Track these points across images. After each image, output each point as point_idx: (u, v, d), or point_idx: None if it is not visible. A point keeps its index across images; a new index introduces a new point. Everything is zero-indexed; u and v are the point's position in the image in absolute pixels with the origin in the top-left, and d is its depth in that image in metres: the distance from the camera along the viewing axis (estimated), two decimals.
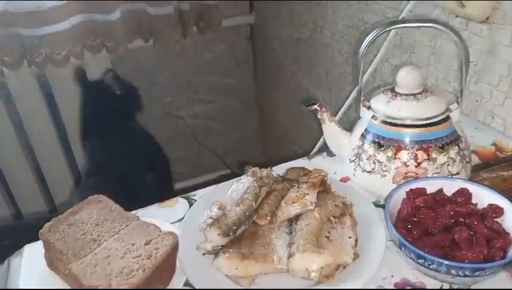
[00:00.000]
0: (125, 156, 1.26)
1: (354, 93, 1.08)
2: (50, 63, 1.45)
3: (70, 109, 1.55)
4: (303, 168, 0.80)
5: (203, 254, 0.66)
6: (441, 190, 0.68)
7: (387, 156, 0.72)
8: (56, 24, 1.39)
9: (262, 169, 0.78)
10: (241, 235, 0.67)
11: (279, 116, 1.80)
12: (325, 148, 0.88)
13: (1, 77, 1.42)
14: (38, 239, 0.65)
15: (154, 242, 0.63)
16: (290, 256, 0.62)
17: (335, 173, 0.82)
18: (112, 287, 0.56)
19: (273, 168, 0.81)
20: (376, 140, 0.74)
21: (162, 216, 0.76)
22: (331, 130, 0.81)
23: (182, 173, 1.70)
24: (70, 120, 1.56)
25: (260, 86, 1.89)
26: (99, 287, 0.57)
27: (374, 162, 0.74)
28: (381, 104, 0.75)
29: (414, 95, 0.73)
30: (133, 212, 0.74)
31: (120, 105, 1.36)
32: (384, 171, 0.73)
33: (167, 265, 0.63)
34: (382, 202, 0.74)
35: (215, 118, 1.83)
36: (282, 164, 0.86)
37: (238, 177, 0.78)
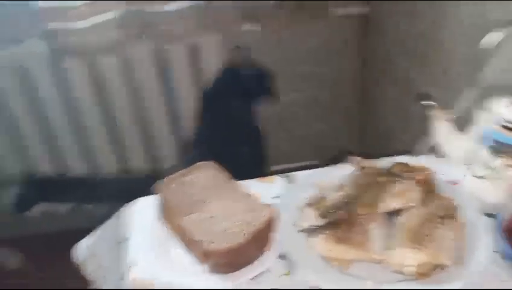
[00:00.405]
0: (233, 135, 1.31)
1: (470, 95, 1.02)
2: (167, 38, 1.55)
3: (182, 82, 1.65)
4: (407, 165, 0.78)
5: (299, 231, 0.68)
6: None
7: (503, 163, 0.68)
8: (176, 2, 1.48)
9: (366, 159, 0.78)
10: (339, 221, 0.67)
11: (383, 111, 1.75)
12: (433, 149, 0.85)
13: (122, 48, 1.55)
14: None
15: (255, 211, 0.66)
16: (387, 248, 0.62)
17: (443, 174, 0.78)
18: (215, 244, 0.60)
19: (376, 161, 0.80)
20: (493, 145, 0.70)
21: (262, 191, 0.79)
22: (444, 130, 0.78)
23: (275, 158, 1.73)
24: (180, 92, 1.66)
25: (366, 79, 1.85)
26: (203, 243, 0.61)
27: (488, 168, 0.70)
28: (503, 108, 0.70)
29: None
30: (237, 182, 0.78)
31: (248, 86, 1.39)
32: (498, 178, 0.69)
33: (265, 235, 0.66)
34: (491, 211, 0.70)
35: (313, 107, 1.83)
36: (385, 158, 0.84)
37: (340, 164, 0.79)
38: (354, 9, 1.70)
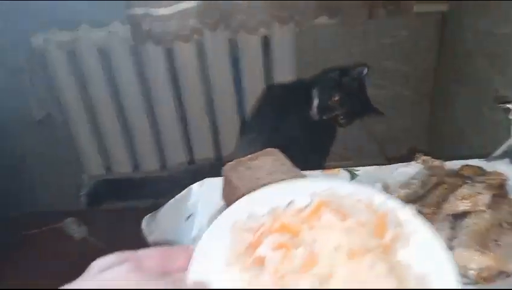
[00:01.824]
0: (296, 127, 1.32)
1: None
2: (242, 29, 1.59)
3: (251, 74, 1.68)
4: (479, 168, 0.75)
5: None
6: None
7: None
8: None
9: (435, 159, 0.76)
10: None
11: (456, 113, 1.68)
12: (509, 154, 0.81)
13: (200, 36, 1.61)
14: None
15: None
16: (450, 249, 0.61)
17: None
18: None
19: (445, 162, 0.78)
20: None
21: None
22: None
23: (338, 153, 1.72)
24: (249, 83, 1.70)
25: (440, 79, 1.78)
26: None
27: None
28: None
29: None
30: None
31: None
32: None
33: None
34: None
35: (383, 105, 1.78)
36: (455, 161, 0.82)
37: (407, 162, 0.78)
38: (432, 7, 1.64)
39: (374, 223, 0.44)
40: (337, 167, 0.87)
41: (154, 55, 1.62)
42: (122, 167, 1.83)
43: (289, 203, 0.48)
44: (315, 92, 1.34)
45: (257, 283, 0.40)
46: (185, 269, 0.41)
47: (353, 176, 0.82)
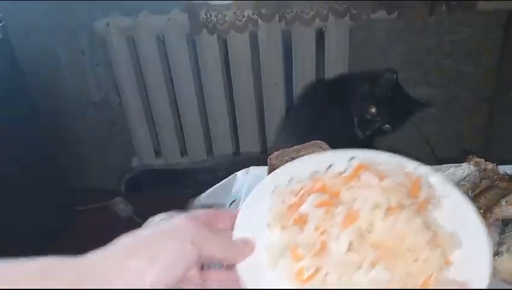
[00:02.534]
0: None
1: None
2: (298, 21, 1.59)
3: (303, 67, 1.68)
4: None
5: None
6: None
7: None
8: None
9: (488, 162, 0.73)
10: None
11: None
12: None
13: (255, 27, 1.62)
14: None
15: None
16: (496, 254, 0.59)
17: None
18: None
19: (499, 166, 0.75)
20: None
21: None
22: None
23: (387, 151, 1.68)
24: (299, 77, 1.69)
25: (501, 81, 1.70)
26: None
27: None
28: None
29: None
30: None
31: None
32: None
33: None
34: None
35: (438, 105, 1.73)
36: (510, 165, 0.78)
37: (458, 164, 0.76)
38: (498, 4, 1.56)
39: (409, 184, 0.48)
40: None
41: (210, 44, 1.65)
42: (171, 153, 1.88)
43: (329, 167, 0.50)
44: (352, 110, 1.30)
45: (300, 238, 0.43)
46: (229, 229, 0.44)
47: None
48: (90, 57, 1.75)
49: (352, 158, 0.51)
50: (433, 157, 1.79)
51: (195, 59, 1.69)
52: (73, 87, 1.81)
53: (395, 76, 1.19)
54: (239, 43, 1.64)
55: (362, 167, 0.49)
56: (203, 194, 0.89)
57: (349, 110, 1.31)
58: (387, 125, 1.26)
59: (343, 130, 1.30)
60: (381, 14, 1.58)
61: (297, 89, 1.72)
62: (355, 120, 1.28)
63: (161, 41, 1.67)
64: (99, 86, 1.81)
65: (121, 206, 1.86)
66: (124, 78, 1.72)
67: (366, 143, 1.39)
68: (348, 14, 1.56)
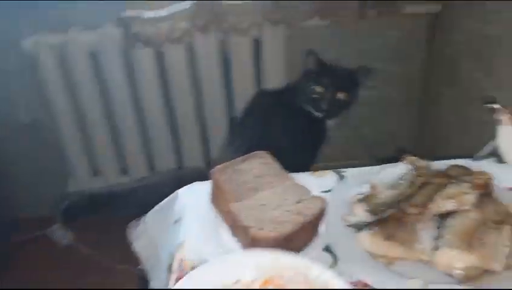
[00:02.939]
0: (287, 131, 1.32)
1: None
2: (233, 31, 1.59)
3: (242, 76, 1.68)
4: (465, 168, 0.76)
5: (347, 226, 0.69)
6: None
7: None
8: None
9: (422, 160, 0.77)
10: (388, 218, 0.68)
11: (443, 115, 1.70)
12: (494, 153, 0.82)
13: (191, 39, 1.61)
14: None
15: (305, 202, 0.68)
16: (435, 248, 0.61)
17: (501, 181, 0.75)
18: (263, 231, 0.63)
19: (432, 162, 0.79)
20: None
21: (312, 184, 0.80)
22: (508, 134, 0.75)
23: (326, 154, 1.72)
24: (239, 86, 1.70)
25: (429, 80, 1.80)
26: (251, 229, 0.63)
27: None
28: None
29: None
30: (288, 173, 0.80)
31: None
32: None
33: (313, 226, 0.67)
34: None
35: (372, 105, 1.79)
36: (442, 161, 0.82)
37: (394, 163, 0.78)
38: (425, 8, 1.65)
39: None
40: (325, 167, 0.88)
41: (145, 58, 1.62)
42: (111, 172, 1.81)
43: (236, 282, 0.55)
44: (301, 98, 1.35)
45: None
46: None
47: (341, 177, 0.83)
48: (19, 77, 1.65)
49: (258, 266, 0.55)
50: (371, 156, 1.86)
51: (131, 73, 1.65)
52: (1, 109, 1.70)
53: (315, 55, 1.31)
54: (175, 55, 1.62)
55: (268, 282, 0.54)
56: (145, 216, 0.87)
57: (295, 112, 1.35)
58: (339, 94, 1.32)
59: (287, 139, 1.32)
60: (315, 20, 1.63)
61: (238, 99, 1.72)
62: (311, 107, 1.33)
63: (94, 57, 1.61)
64: (29, 108, 1.71)
65: (60, 233, 1.76)
66: (56, 97, 1.64)
67: (310, 148, 1.42)
68: (284, 22, 1.59)
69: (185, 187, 0.84)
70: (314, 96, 1.32)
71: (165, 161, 1.81)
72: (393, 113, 1.88)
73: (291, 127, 1.35)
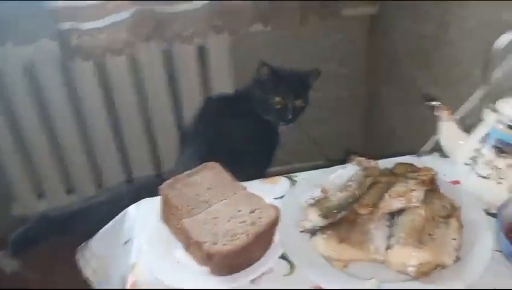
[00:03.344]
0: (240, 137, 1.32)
1: (476, 95, 1.02)
2: (177, 39, 1.57)
3: (189, 85, 1.66)
4: (411, 165, 0.78)
5: (301, 231, 0.69)
6: None
7: (507, 163, 0.68)
8: (188, 3, 1.49)
9: (369, 160, 0.78)
10: (340, 221, 0.68)
11: (388, 111, 1.75)
12: (436, 148, 0.85)
13: (133, 49, 1.57)
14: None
15: (258, 212, 0.67)
16: (388, 247, 0.62)
17: (445, 175, 0.78)
18: (218, 245, 0.61)
19: (379, 161, 0.80)
20: (498, 145, 0.70)
21: (265, 191, 0.79)
22: (448, 130, 0.78)
23: (279, 157, 1.74)
24: (186, 96, 1.67)
25: (372, 79, 1.85)
26: (205, 244, 0.62)
27: (492, 168, 0.70)
28: (510, 108, 0.70)
29: None
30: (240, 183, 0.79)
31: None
32: (501, 178, 0.69)
33: (267, 235, 0.66)
34: (493, 210, 0.70)
35: (320, 107, 1.82)
36: (388, 159, 0.84)
37: (343, 165, 0.79)
38: (363, 10, 1.71)
39: None
40: (278, 171, 0.88)
41: (86, 71, 1.55)
42: (56, 193, 1.73)
43: None
44: (262, 110, 1.36)
45: None
46: None
47: (293, 183, 0.83)
48: None
49: None
50: (323, 158, 1.89)
51: (72, 88, 1.58)
52: None
53: (266, 64, 1.31)
54: (117, 67, 1.57)
55: None
56: (93, 238, 0.83)
57: (247, 118, 1.34)
58: (297, 101, 1.33)
59: (241, 146, 1.31)
60: (258, 26, 1.63)
61: (186, 107, 1.69)
62: (272, 118, 1.34)
63: (30, 73, 1.53)
64: None
65: (5, 261, 1.65)
66: None
67: (264, 154, 1.42)
68: (227, 29, 1.58)
69: (133, 205, 0.81)
70: (277, 107, 1.32)
71: (113, 176, 1.75)
72: (342, 114, 1.93)
73: (244, 133, 1.35)
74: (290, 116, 1.33)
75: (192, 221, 0.65)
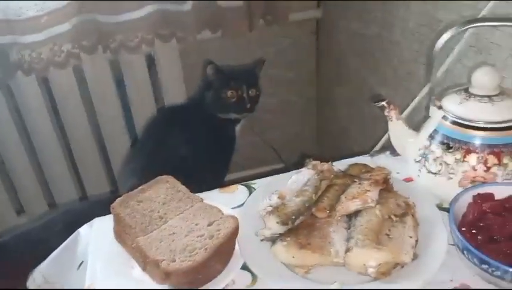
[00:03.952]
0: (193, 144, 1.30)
1: (421, 93, 1.05)
2: (123, 49, 1.52)
3: (138, 95, 1.62)
4: (365, 165, 0.79)
5: (261, 240, 0.68)
6: (510, 197, 0.65)
7: (455, 159, 0.70)
8: (132, 12, 1.45)
9: (324, 163, 0.78)
10: (299, 226, 0.68)
11: (339, 112, 1.79)
12: (388, 147, 0.87)
13: (78, 61, 1.51)
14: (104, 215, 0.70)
15: (217, 224, 0.65)
16: (347, 250, 0.62)
17: (398, 172, 0.80)
18: (176, 263, 0.59)
19: (334, 163, 0.81)
20: (445, 141, 0.72)
21: (223, 201, 0.78)
22: (398, 129, 0.79)
23: (236, 163, 1.73)
24: (137, 106, 1.63)
25: (322, 82, 1.89)
26: (163, 262, 0.60)
27: (441, 164, 0.72)
28: (454, 105, 0.72)
29: (489, 97, 0.70)
30: (196, 194, 0.77)
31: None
32: (451, 173, 0.71)
33: (227, 247, 0.65)
34: (445, 205, 0.72)
35: (273, 111, 1.84)
36: (342, 160, 0.85)
37: (298, 169, 0.79)
38: (308, 14, 1.74)
39: None
40: (236, 178, 0.86)
41: (28, 86, 1.48)
42: (5, 214, 1.63)
43: None
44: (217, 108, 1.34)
45: None
46: None
47: (250, 190, 0.82)
48: None
49: None
50: (280, 161, 1.90)
51: (14, 105, 1.50)
52: None
53: (212, 63, 1.33)
54: (62, 81, 1.51)
55: None
56: (44, 263, 0.78)
57: (202, 125, 1.33)
58: (251, 91, 1.34)
59: (198, 154, 1.29)
60: (207, 34, 1.62)
61: (138, 119, 1.65)
62: (231, 113, 1.35)
63: None
64: None
65: None
66: None
67: (220, 161, 1.40)
68: (174, 37, 1.56)
69: (85, 225, 0.77)
70: (232, 100, 1.32)
71: (65, 195, 1.68)
72: (295, 117, 1.95)
73: (199, 141, 1.33)
74: (248, 105, 1.33)
75: (147, 239, 0.63)
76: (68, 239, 0.75)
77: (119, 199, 0.69)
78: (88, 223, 0.76)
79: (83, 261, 0.69)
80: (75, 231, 0.78)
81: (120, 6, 1.44)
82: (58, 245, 0.79)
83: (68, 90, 1.53)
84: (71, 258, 0.72)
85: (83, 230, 0.75)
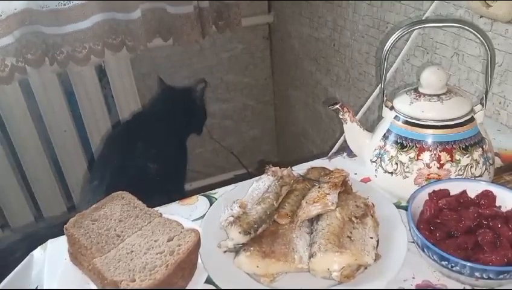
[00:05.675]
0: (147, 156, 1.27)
1: (374, 94, 1.08)
2: (71, 61, 1.47)
3: (91, 107, 1.57)
4: (323, 168, 0.80)
5: (224, 252, 0.67)
6: (464, 192, 0.67)
7: (409, 157, 0.72)
8: (78, 22, 1.41)
9: (283, 168, 0.78)
10: (262, 234, 0.67)
11: (296, 115, 1.80)
12: (345, 149, 0.88)
13: (24, 75, 1.44)
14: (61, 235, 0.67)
15: (177, 239, 0.64)
16: (311, 256, 0.62)
17: (355, 173, 0.81)
18: (136, 282, 0.57)
19: (293, 167, 0.81)
20: (398, 141, 0.73)
21: (183, 214, 0.77)
22: (353, 130, 0.80)
23: (198, 171, 1.71)
24: (89, 118, 1.58)
25: (277, 86, 1.90)
26: (122, 283, 0.57)
27: (396, 163, 0.73)
28: (405, 105, 0.74)
29: (438, 95, 0.72)
30: (155, 209, 0.75)
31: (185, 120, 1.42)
32: (407, 172, 0.73)
33: (189, 262, 0.63)
34: (403, 203, 0.74)
35: (231, 117, 1.84)
36: (301, 164, 0.86)
37: (259, 177, 0.79)
38: (259, 19, 1.74)
39: None
40: (197, 187, 0.85)
41: None
42: None
43: None
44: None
45: None
46: None
47: (211, 201, 0.81)
48: None
49: None
50: (242, 167, 1.89)
51: None
52: None
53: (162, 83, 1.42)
54: (8, 96, 1.44)
55: None
56: None
57: (156, 138, 1.31)
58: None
59: (155, 167, 1.26)
60: (158, 42, 1.59)
61: (91, 131, 1.60)
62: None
63: None
64: None
65: None
66: None
67: (176, 172, 1.38)
68: (124, 46, 1.52)
69: (39, 248, 0.73)
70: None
71: (19, 216, 1.60)
72: (254, 121, 1.95)
73: (152, 153, 1.30)
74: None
75: (104, 259, 0.60)
76: (21, 264, 0.71)
77: (72, 219, 0.66)
78: (42, 245, 0.72)
79: (38, 286, 0.66)
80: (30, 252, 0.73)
81: (64, 17, 1.39)
82: (12, 269, 0.75)
83: (14, 105, 1.47)
84: (25, 284, 0.68)
85: (36, 253, 0.71)
